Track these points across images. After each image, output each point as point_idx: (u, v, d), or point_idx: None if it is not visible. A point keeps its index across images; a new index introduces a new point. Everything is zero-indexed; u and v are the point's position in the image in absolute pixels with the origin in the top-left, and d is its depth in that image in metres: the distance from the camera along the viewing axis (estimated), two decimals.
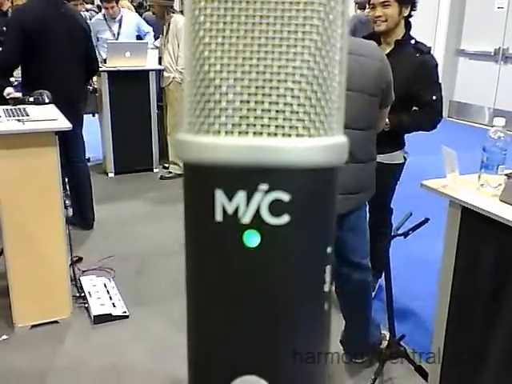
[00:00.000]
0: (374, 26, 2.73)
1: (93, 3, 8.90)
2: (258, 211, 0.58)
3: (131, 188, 5.08)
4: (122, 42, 5.53)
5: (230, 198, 0.58)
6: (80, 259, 3.54)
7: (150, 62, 5.29)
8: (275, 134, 0.57)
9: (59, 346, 2.75)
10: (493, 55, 7.99)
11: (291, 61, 0.56)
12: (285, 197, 0.58)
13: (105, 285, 3.24)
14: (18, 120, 2.80)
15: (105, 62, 5.15)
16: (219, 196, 0.59)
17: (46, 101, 3.24)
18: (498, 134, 2.03)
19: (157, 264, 3.60)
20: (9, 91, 3.46)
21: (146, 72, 5.25)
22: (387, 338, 2.52)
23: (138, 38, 5.97)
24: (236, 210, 0.58)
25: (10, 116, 2.88)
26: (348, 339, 2.57)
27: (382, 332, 2.63)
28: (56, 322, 2.93)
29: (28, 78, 3.67)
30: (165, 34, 5.14)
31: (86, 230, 4.07)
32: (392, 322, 2.44)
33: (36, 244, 2.82)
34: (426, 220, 2.27)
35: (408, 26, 2.75)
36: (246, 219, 0.58)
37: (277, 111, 0.56)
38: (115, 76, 5.10)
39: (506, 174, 2.06)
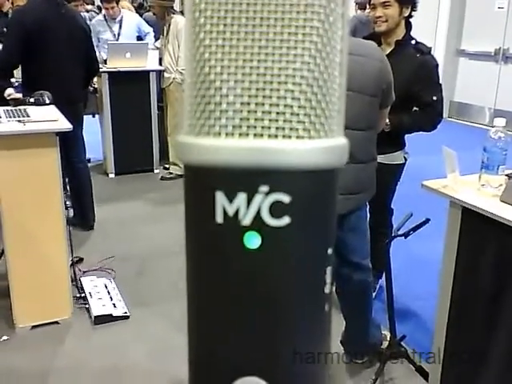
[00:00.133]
0: (375, 26, 2.73)
1: (93, 4, 8.90)
2: (258, 213, 0.58)
3: (132, 189, 5.08)
4: (123, 42, 5.53)
5: (231, 199, 0.58)
6: (80, 260, 3.54)
7: (150, 62, 5.29)
8: (276, 136, 0.57)
9: (60, 347, 2.76)
10: (493, 55, 7.99)
11: (291, 63, 0.56)
12: (285, 198, 0.58)
13: (105, 285, 3.24)
14: (19, 121, 2.81)
15: (105, 63, 5.15)
16: (220, 198, 0.59)
17: (47, 101, 3.24)
18: (498, 134, 2.03)
19: (157, 264, 3.60)
20: (9, 92, 3.47)
21: (147, 73, 5.26)
22: (388, 339, 2.52)
23: (139, 38, 5.97)
24: (236, 212, 0.59)
25: (10, 117, 2.88)
26: (348, 339, 2.56)
27: (383, 332, 2.63)
28: (56, 322, 2.93)
29: (28, 79, 3.67)
30: (165, 34, 5.14)
31: (87, 230, 4.07)
32: (393, 323, 2.44)
33: (36, 244, 2.83)
34: (427, 220, 2.27)
35: (408, 26, 2.75)
36: (247, 221, 0.59)
37: (277, 113, 0.57)
38: (116, 77, 5.10)
39: (506, 175, 2.06)
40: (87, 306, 3.04)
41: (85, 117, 4.20)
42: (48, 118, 2.91)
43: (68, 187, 4.00)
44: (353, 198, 2.19)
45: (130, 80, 5.18)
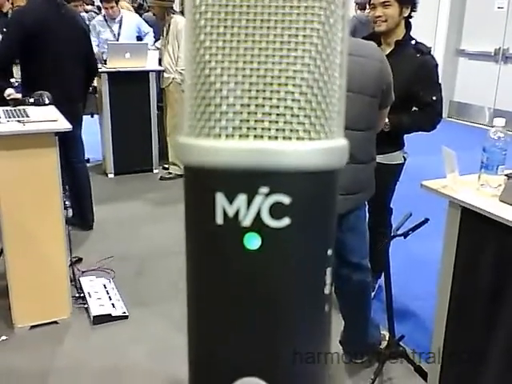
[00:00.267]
0: (374, 26, 2.73)
1: (93, 4, 8.90)
2: (258, 214, 0.58)
3: (131, 189, 5.08)
4: (122, 42, 5.53)
5: (231, 200, 0.58)
6: (80, 260, 3.54)
7: (150, 62, 5.29)
8: (276, 138, 0.57)
9: (59, 347, 2.75)
10: (493, 55, 7.99)
11: (292, 64, 0.56)
12: (285, 200, 0.58)
13: (104, 285, 3.24)
14: (19, 121, 2.81)
15: (105, 63, 5.15)
16: (220, 199, 0.59)
17: (46, 102, 3.24)
18: (497, 134, 2.03)
19: (156, 264, 3.60)
20: (9, 92, 3.46)
21: (146, 73, 5.25)
22: (387, 338, 2.52)
23: (138, 38, 5.97)
24: (237, 213, 0.59)
25: (10, 117, 2.88)
26: (347, 339, 2.57)
27: (382, 332, 2.63)
28: (55, 322, 2.93)
29: (28, 79, 3.67)
30: (165, 35, 5.14)
31: (86, 230, 4.07)
32: (392, 323, 2.45)
33: (36, 244, 2.83)
34: (426, 220, 2.27)
35: (408, 26, 2.75)
36: (247, 222, 0.59)
37: (277, 114, 0.57)
38: (115, 77, 5.09)
39: (505, 175, 2.06)
40: (86, 305, 3.04)
41: (84, 117, 4.19)
42: (47, 118, 2.91)
43: (67, 187, 4.00)
44: (352, 198, 2.19)
45: (130, 80, 5.17)
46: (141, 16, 6.54)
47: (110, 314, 2.96)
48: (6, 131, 2.65)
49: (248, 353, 0.63)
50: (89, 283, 3.25)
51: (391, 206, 3.08)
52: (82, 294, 3.13)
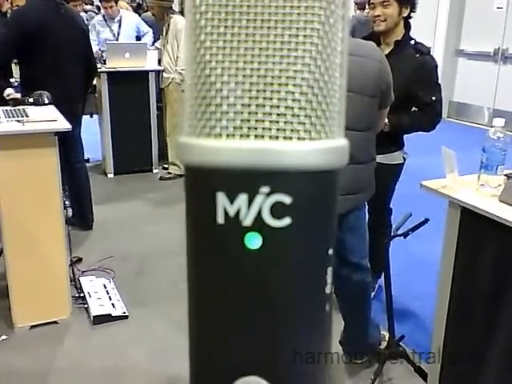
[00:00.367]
0: (374, 25, 2.73)
1: (92, 4, 8.90)
2: (259, 213, 0.58)
3: (131, 189, 5.08)
4: (122, 42, 5.54)
5: (232, 200, 0.59)
6: (79, 260, 3.54)
7: (149, 62, 5.29)
8: (276, 137, 0.57)
9: (58, 347, 2.76)
10: (492, 55, 8.00)
11: (292, 64, 0.56)
12: (286, 199, 0.58)
13: (104, 285, 3.24)
14: (18, 121, 2.81)
15: (105, 63, 5.15)
16: (221, 198, 0.59)
17: (46, 102, 3.24)
18: (497, 134, 2.03)
19: (156, 264, 3.60)
20: (9, 92, 3.46)
21: (146, 73, 5.26)
22: (387, 339, 2.52)
23: (138, 38, 5.98)
24: (237, 213, 0.59)
25: (9, 117, 2.88)
26: (347, 340, 2.57)
27: (382, 332, 2.63)
28: (55, 322, 2.93)
29: (27, 79, 3.67)
30: (164, 35, 5.14)
31: (86, 230, 4.07)
32: (391, 323, 2.45)
33: (36, 244, 2.83)
34: (426, 220, 2.27)
35: (407, 26, 2.75)
36: (248, 221, 0.59)
37: (278, 114, 0.57)
38: (115, 77, 5.10)
39: (505, 175, 2.07)
40: (86, 305, 3.04)
41: (83, 117, 4.19)
42: (47, 117, 2.91)
43: (66, 187, 4.00)
44: (352, 198, 2.19)
45: (129, 80, 5.18)
46: (139, 16, 6.54)
47: (109, 314, 2.96)
48: (5, 131, 2.66)
49: (249, 353, 0.63)
50: (89, 283, 3.26)
51: (391, 206, 3.08)
52: (81, 294, 3.13)
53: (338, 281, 2.33)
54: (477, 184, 2.10)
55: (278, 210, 0.58)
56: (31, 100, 3.23)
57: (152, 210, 4.62)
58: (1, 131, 2.65)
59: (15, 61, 3.81)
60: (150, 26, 6.06)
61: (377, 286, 3.16)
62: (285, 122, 0.57)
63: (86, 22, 5.29)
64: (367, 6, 3.05)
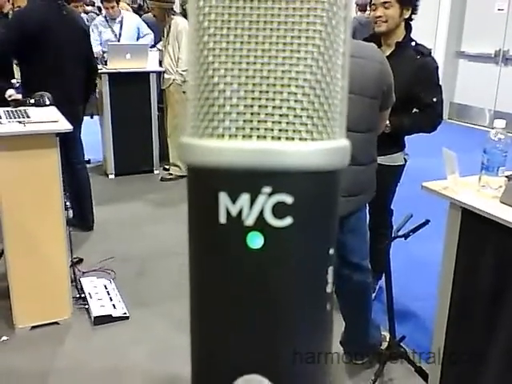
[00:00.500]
0: (375, 26, 2.73)
1: (93, 5, 8.91)
2: (261, 213, 0.59)
3: (131, 189, 5.09)
4: (123, 43, 5.54)
5: (234, 200, 0.59)
6: (80, 260, 3.54)
7: (150, 63, 5.30)
8: (279, 138, 0.58)
9: (59, 347, 2.76)
10: (493, 57, 8.00)
11: (294, 65, 0.57)
12: (288, 199, 0.58)
13: (105, 286, 3.25)
14: (19, 122, 2.81)
15: (106, 64, 5.16)
16: (223, 198, 0.59)
17: (47, 103, 3.24)
18: (498, 135, 2.03)
19: (157, 265, 3.60)
20: (10, 93, 3.47)
21: (147, 74, 5.26)
22: (387, 339, 2.52)
23: (139, 39, 5.98)
24: (240, 212, 0.59)
25: (11, 118, 2.88)
26: (348, 340, 2.57)
27: (382, 333, 2.63)
28: (56, 323, 2.93)
29: (29, 80, 3.68)
30: (165, 36, 5.15)
31: (86, 231, 4.08)
32: (392, 323, 2.45)
33: (36, 245, 2.83)
34: (427, 222, 2.27)
35: (408, 28, 2.76)
36: (250, 221, 0.59)
37: (280, 115, 0.57)
38: (116, 78, 5.10)
39: (506, 176, 2.07)
40: (87, 306, 3.05)
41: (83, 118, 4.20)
42: (48, 118, 2.91)
43: (67, 188, 4.00)
44: (353, 200, 2.20)
45: (130, 81, 5.18)
46: (140, 17, 6.55)
47: (110, 315, 2.97)
48: (6, 132, 2.66)
49: (250, 352, 0.64)
50: (89, 284, 3.26)
51: (392, 207, 3.08)
52: (82, 295, 3.13)
53: (338, 281, 2.32)
54: (478, 185, 2.10)
55: (279, 210, 0.59)
56: (32, 101, 3.23)
57: (153, 210, 4.63)
58: (2, 132, 2.65)
59: (16, 62, 3.82)
60: (150, 27, 6.07)
61: (378, 287, 3.16)
62: (287, 123, 0.57)
63: (86, 23, 5.29)
64: (368, 8, 3.05)
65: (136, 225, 4.28)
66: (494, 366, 1.97)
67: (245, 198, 0.58)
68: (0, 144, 2.63)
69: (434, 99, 2.72)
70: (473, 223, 2.00)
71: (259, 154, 0.57)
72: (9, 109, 3.10)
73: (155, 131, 5.41)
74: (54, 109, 3.17)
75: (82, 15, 7.05)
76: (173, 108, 5.20)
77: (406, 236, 2.31)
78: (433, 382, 2.28)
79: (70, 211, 3.91)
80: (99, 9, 7.56)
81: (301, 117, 0.57)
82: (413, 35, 2.76)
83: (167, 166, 5.48)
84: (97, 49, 5.28)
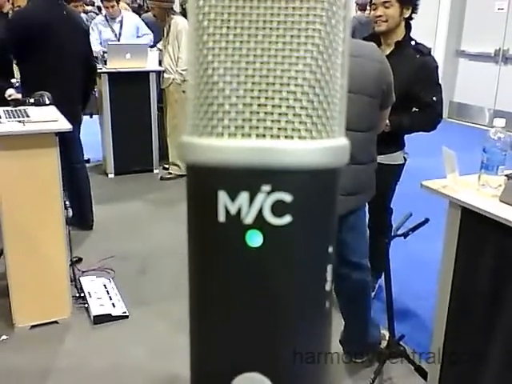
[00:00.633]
0: (375, 25, 2.73)
1: (93, 5, 8.91)
2: (260, 212, 0.59)
3: (131, 189, 5.09)
4: (123, 43, 5.54)
5: (233, 198, 0.59)
6: (80, 260, 3.54)
7: (150, 63, 5.30)
8: (278, 137, 0.58)
9: (59, 347, 2.76)
10: (493, 56, 8.00)
11: (294, 65, 0.57)
12: (287, 198, 0.59)
13: (105, 285, 3.25)
14: (19, 121, 2.81)
15: (105, 64, 5.16)
16: (222, 197, 0.59)
17: (47, 102, 3.24)
18: (498, 134, 2.03)
19: (157, 264, 3.60)
20: (10, 92, 3.47)
21: (147, 73, 5.26)
22: (387, 338, 2.52)
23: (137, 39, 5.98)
24: (239, 211, 0.59)
25: (10, 117, 2.88)
26: (347, 339, 2.57)
27: (382, 332, 2.63)
28: (56, 322, 2.93)
29: (28, 80, 3.67)
30: (165, 35, 5.15)
31: (86, 230, 4.07)
32: (392, 322, 2.45)
33: (36, 244, 2.83)
34: (426, 220, 2.28)
35: (408, 27, 2.76)
36: (249, 219, 0.59)
37: (279, 114, 0.57)
38: (116, 77, 5.10)
39: (506, 175, 2.07)
40: (86, 305, 3.05)
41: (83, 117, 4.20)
42: (48, 118, 2.91)
43: (67, 187, 4.00)
44: (352, 199, 2.20)
45: (130, 81, 5.18)
46: (140, 16, 6.55)
47: (110, 314, 2.97)
48: (6, 131, 2.66)
49: (250, 352, 0.64)
50: (89, 283, 3.26)
51: (391, 206, 3.08)
52: (82, 294, 3.13)
53: (338, 280, 2.33)
54: (477, 184, 2.10)
55: (278, 208, 0.59)
56: (32, 100, 3.23)
57: (152, 210, 4.63)
58: (2, 131, 2.65)
59: (15, 61, 3.82)
60: (150, 27, 6.06)
61: (377, 286, 3.16)
62: (286, 122, 0.57)
63: (86, 22, 5.29)
64: (368, 7, 3.05)
65: (135, 224, 4.28)
66: (493, 365, 1.97)
67: (244, 197, 0.59)
68: None
69: (434, 98, 2.72)
70: (472, 222, 2.01)
71: (258, 152, 0.57)
72: (8, 108, 3.10)
73: (155, 130, 5.41)
74: (53, 108, 3.17)
75: (82, 15, 7.05)
76: (172, 107, 5.20)
77: (405, 235, 2.32)
78: (432, 381, 2.29)
79: (70, 210, 3.90)
80: (99, 8, 7.56)
81: (300, 115, 0.57)
82: (412, 34, 2.76)
83: (167, 166, 5.48)
84: (97, 48, 5.28)
